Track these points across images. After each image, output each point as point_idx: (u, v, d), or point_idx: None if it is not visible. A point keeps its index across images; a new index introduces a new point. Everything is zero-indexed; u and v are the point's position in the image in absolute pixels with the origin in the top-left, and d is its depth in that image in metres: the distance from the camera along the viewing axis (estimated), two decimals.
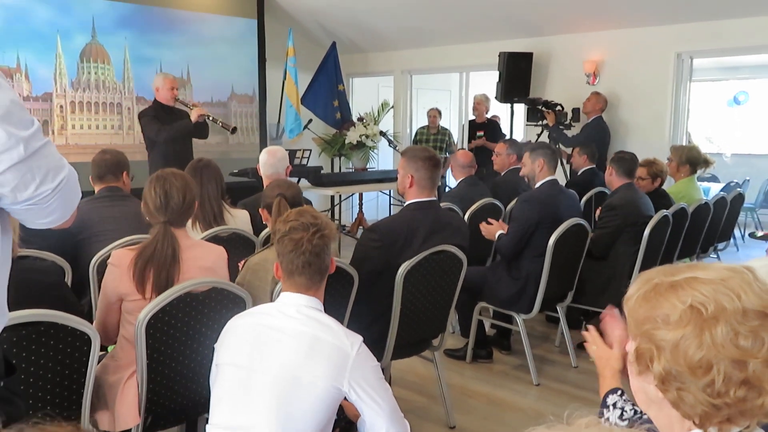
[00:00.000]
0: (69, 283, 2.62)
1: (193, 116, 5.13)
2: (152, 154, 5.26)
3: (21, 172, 1.17)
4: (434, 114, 8.13)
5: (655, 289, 0.99)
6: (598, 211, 4.40)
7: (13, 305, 1.38)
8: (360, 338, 1.83)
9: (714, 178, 8.36)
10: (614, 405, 1.46)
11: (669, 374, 0.95)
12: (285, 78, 7.89)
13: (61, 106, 6.54)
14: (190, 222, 3.11)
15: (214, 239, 3.00)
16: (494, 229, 3.93)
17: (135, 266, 2.21)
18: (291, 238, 1.90)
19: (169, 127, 5.11)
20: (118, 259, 2.27)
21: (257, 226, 3.43)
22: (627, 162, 4.29)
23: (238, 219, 3.41)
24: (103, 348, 2.28)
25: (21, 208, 1.22)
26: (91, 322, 2.19)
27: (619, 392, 1.52)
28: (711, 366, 0.92)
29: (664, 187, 4.81)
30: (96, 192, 3.19)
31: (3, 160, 1.15)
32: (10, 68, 6.07)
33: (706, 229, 5.01)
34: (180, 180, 2.36)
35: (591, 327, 1.72)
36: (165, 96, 5.27)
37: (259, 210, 2.86)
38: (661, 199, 4.56)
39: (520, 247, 3.79)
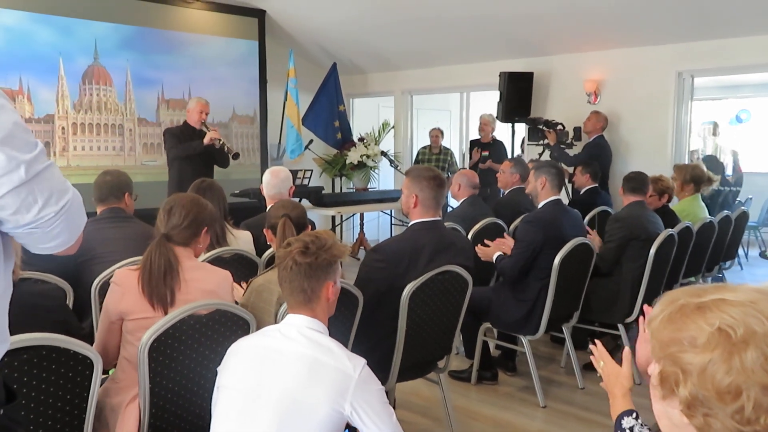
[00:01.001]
0: (70, 306, 2.58)
1: (206, 139, 5.36)
2: (170, 171, 5.56)
3: (22, 196, 1.14)
4: (436, 134, 8.13)
5: (681, 311, 0.96)
6: (593, 234, 4.35)
7: (14, 329, 1.35)
8: (363, 361, 1.80)
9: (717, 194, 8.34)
10: (631, 430, 1.41)
11: (696, 399, 0.91)
12: (286, 99, 7.91)
13: (63, 128, 6.54)
14: None
15: (217, 260, 2.97)
16: (491, 251, 3.89)
17: (140, 282, 2.21)
18: (282, 251, 1.94)
19: (179, 145, 5.38)
20: (120, 278, 2.26)
21: (260, 247, 3.40)
22: (632, 180, 4.29)
23: (241, 240, 3.39)
24: (104, 371, 2.24)
25: (23, 232, 1.19)
26: (93, 345, 2.15)
27: (634, 415, 1.47)
28: (740, 392, 0.88)
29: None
30: (98, 213, 3.17)
31: (3, 184, 1.12)
32: (12, 90, 6.08)
33: (711, 248, 4.98)
34: (189, 203, 2.40)
35: (598, 342, 1.68)
36: (193, 118, 5.58)
37: (264, 230, 2.83)
38: (666, 216, 4.53)
39: (525, 269, 3.75)
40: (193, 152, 5.36)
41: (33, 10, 6.23)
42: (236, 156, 5.53)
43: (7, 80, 6.06)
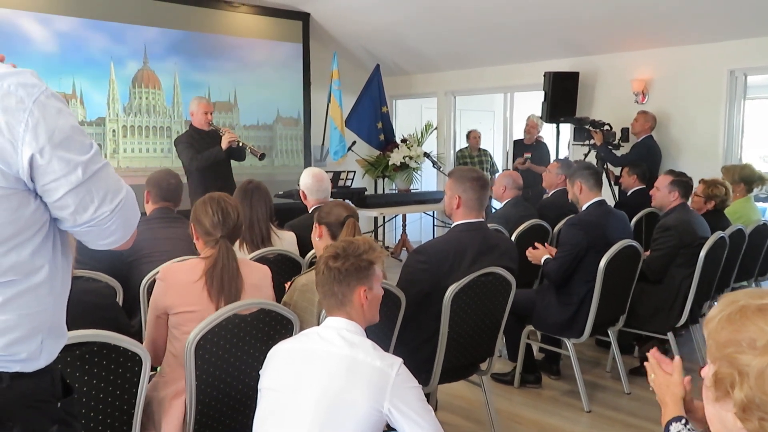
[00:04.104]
0: (120, 304, 2.65)
1: (224, 143, 5.14)
2: (190, 180, 5.30)
3: (80, 195, 1.21)
4: (475, 136, 8.11)
5: (741, 312, 0.93)
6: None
7: (67, 325, 1.40)
8: (400, 360, 1.81)
9: None
10: None
11: (752, 403, 0.89)
12: (329, 101, 7.97)
13: (114, 131, 6.73)
14: (237, 242, 3.14)
15: (261, 260, 3.00)
16: (540, 254, 3.85)
17: (206, 279, 2.26)
18: (320, 256, 1.98)
19: (200, 156, 5.14)
20: (164, 274, 2.32)
21: (304, 247, 3.44)
22: (685, 185, 4.18)
23: (285, 241, 3.42)
24: (153, 368, 2.30)
25: (81, 230, 1.26)
26: (142, 343, 2.21)
27: (683, 421, 1.44)
28: None
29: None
30: (149, 213, 3.24)
31: (62, 185, 1.19)
32: (66, 94, 6.29)
33: (764, 251, 4.82)
34: (233, 200, 2.46)
35: (650, 355, 1.65)
36: (199, 120, 5.30)
37: (317, 225, 2.75)
38: (716, 220, 4.40)
39: (569, 273, 3.70)
40: (215, 160, 5.15)
41: (86, 16, 6.42)
42: (262, 157, 5.39)
43: (61, 84, 6.27)
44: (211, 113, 5.34)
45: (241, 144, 5.27)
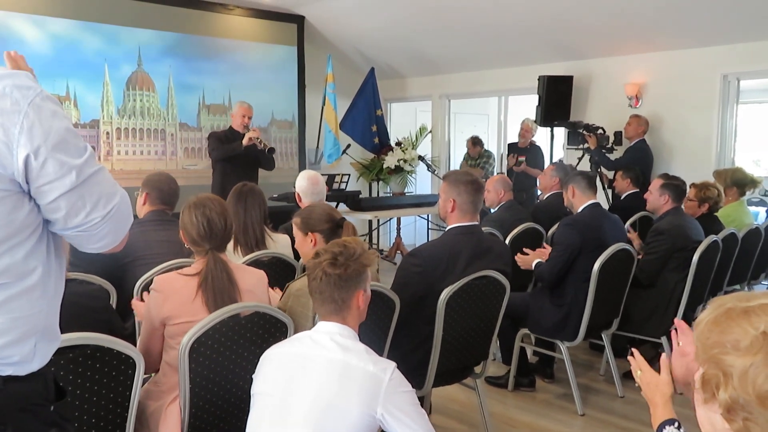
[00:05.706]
0: (114, 306, 2.64)
1: (245, 140, 5.45)
2: (214, 174, 5.73)
3: (72, 200, 1.20)
4: (467, 147, 8.10)
5: (727, 314, 0.95)
6: (633, 235, 4.27)
7: (60, 328, 1.40)
8: (393, 364, 1.81)
9: (762, 202, 8.13)
10: None
11: (736, 403, 0.90)
12: (324, 103, 7.97)
13: (108, 133, 6.71)
14: (231, 245, 3.14)
15: (255, 263, 3.00)
16: (530, 259, 3.85)
17: (202, 294, 2.24)
18: (312, 261, 1.95)
19: (221, 147, 5.54)
20: (160, 285, 2.28)
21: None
22: (678, 189, 4.20)
23: (279, 243, 3.42)
24: (145, 374, 2.29)
25: (71, 233, 1.25)
26: (135, 346, 2.20)
27: (676, 424, 1.44)
28: None
29: None
30: (144, 215, 3.24)
31: (56, 188, 1.18)
32: (60, 96, 6.27)
33: (757, 255, 4.84)
34: (218, 205, 2.37)
35: (635, 351, 1.65)
36: (236, 122, 5.76)
37: (308, 233, 2.71)
38: (709, 223, 4.42)
39: (563, 273, 3.71)
40: (233, 153, 5.47)
41: (80, 18, 6.41)
42: (271, 151, 5.63)
43: (55, 86, 6.25)
44: (249, 118, 5.76)
45: (259, 140, 5.52)
